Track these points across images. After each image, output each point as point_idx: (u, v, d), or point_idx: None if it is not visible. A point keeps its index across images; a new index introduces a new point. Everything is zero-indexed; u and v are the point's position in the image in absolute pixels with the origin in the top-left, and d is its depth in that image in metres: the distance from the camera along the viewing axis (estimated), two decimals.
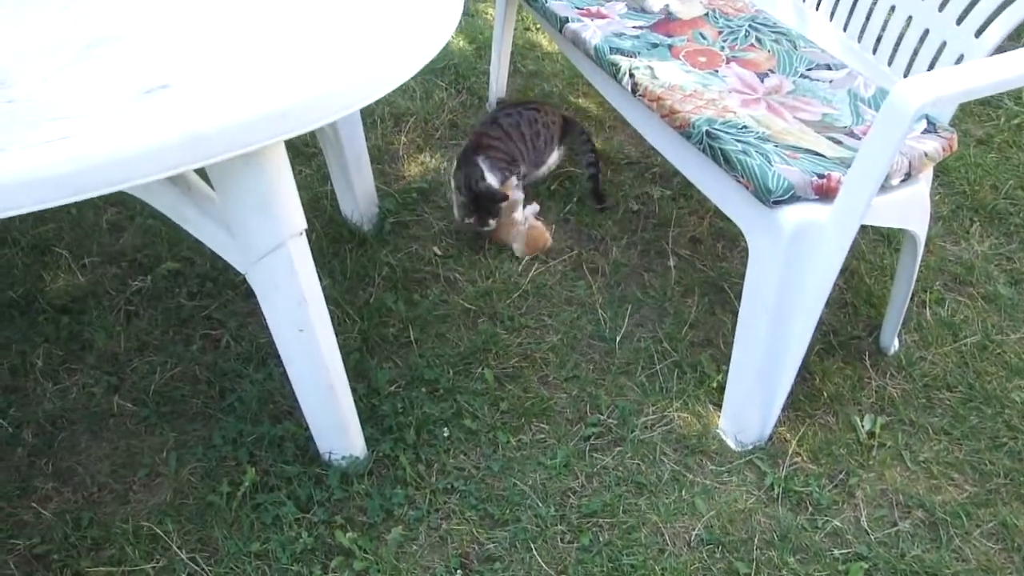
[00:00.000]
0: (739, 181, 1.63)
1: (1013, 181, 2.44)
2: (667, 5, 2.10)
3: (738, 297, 2.07)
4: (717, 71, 1.90)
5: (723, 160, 1.65)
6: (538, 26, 2.96)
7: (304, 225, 1.50)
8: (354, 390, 1.77)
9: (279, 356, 1.65)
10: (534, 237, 2.26)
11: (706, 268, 2.21)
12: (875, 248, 2.27)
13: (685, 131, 1.72)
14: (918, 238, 1.81)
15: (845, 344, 2.05)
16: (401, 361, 2.01)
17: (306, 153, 2.49)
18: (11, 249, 2.28)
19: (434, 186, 2.41)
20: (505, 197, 2.18)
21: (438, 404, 1.92)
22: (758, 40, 2.01)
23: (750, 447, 1.85)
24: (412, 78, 2.77)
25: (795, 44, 2.01)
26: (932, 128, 1.77)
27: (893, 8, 1.90)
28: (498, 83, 2.60)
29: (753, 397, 1.81)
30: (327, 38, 1.40)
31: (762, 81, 1.89)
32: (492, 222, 2.22)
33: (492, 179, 2.22)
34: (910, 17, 1.87)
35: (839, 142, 1.73)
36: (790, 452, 1.84)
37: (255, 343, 2.03)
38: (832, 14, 2.04)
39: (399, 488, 1.77)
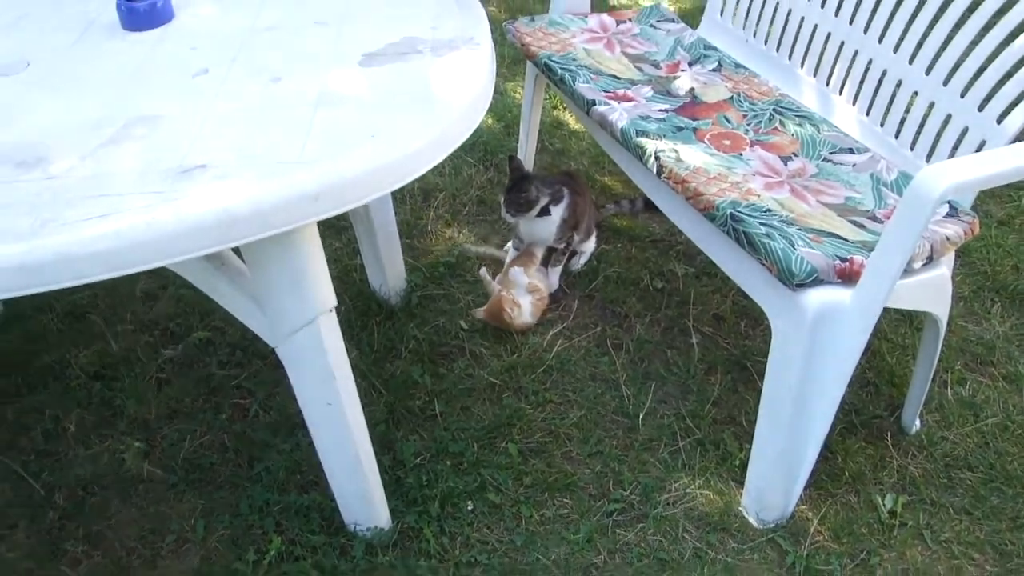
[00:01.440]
0: (763, 264, 1.62)
1: None
2: (692, 88, 2.12)
3: (761, 375, 2.04)
4: (741, 154, 1.90)
5: (747, 243, 1.64)
6: (565, 105, 2.99)
7: (334, 302, 1.50)
8: (380, 462, 1.75)
9: (307, 427, 1.64)
10: (495, 303, 2.20)
11: (729, 346, 2.19)
12: (897, 328, 2.24)
13: (709, 213, 1.71)
14: (940, 321, 1.78)
15: (867, 423, 2.02)
16: (426, 434, 1.99)
17: (337, 227, 2.50)
18: (47, 315, 2.30)
19: (461, 260, 2.41)
20: (528, 190, 2.17)
21: (462, 477, 1.89)
22: (782, 124, 2.02)
23: (772, 525, 1.81)
24: None
25: (818, 128, 2.01)
26: (954, 212, 1.76)
27: (916, 93, 1.91)
28: (526, 160, 2.61)
29: (775, 475, 1.78)
30: (361, 122, 1.41)
31: (785, 164, 1.89)
32: (511, 215, 2.22)
33: (543, 199, 2.20)
34: (932, 103, 1.87)
35: (862, 226, 1.72)
36: (811, 531, 1.80)
37: (284, 413, 2.03)
38: (855, 98, 2.04)
39: (423, 560, 1.74)
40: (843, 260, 1.59)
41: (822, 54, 2.12)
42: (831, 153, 1.94)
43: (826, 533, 1.80)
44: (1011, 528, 1.80)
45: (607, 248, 2.42)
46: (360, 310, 2.25)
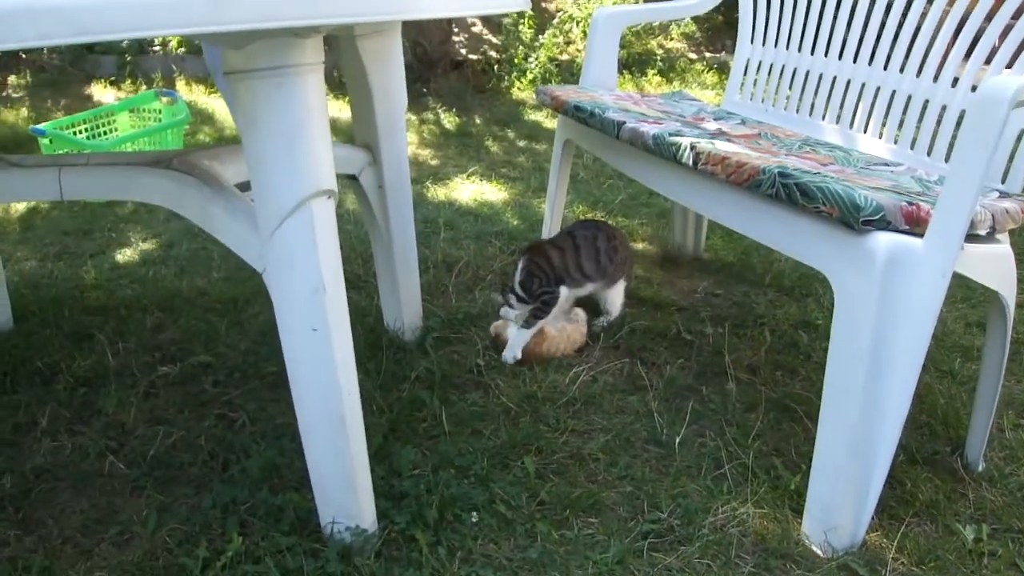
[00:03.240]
0: (820, 211, 1.21)
1: None
2: (720, 128, 1.80)
3: (808, 417, 1.57)
4: (778, 157, 1.55)
5: (800, 195, 1.24)
6: (582, 207, 2.65)
7: (333, 186, 1.10)
8: (373, 471, 1.26)
9: (295, 433, 1.20)
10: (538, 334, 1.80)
11: (767, 390, 1.69)
12: (941, 380, 1.75)
13: (755, 179, 1.32)
14: (1007, 305, 1.35)
15: (929, 459, 1.50)
16: (429, 450, 1.48)
17: (357, 285, 2.09)
18: (54, 330, 1.86)
19: (483, 314, 1.97)
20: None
21: (468, 488, 1.36)
22: (813, 149, 1.67)
23: (841, 552, 1.25)
24: (467, 235, 2.39)
25: (850, 153, 1.67)
26: (1006, 195, 1.37)
27: (944, 107, 1.59)
28: (549, 235, 2.24)
29: (844, 482, 1.25)
30: None
31: (824, 166, 1.52)
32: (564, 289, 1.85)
33: (517, 284, 1.83)
34: (963, 110, 1.55)
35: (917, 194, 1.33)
36: (890, 558, 1.24)
37: (272, 423, 1.53)
38: (881, 131, 1.72)
39: (412, 570, 1.19)
40: (910, 204, 1.19)
41: (843, 101, 1.83)
42: (868, 165, 1.58)
43: (906, 559, 1.25)
44: None
45: (632, 311, 1.98)
46: (371, 343, 1.79)
